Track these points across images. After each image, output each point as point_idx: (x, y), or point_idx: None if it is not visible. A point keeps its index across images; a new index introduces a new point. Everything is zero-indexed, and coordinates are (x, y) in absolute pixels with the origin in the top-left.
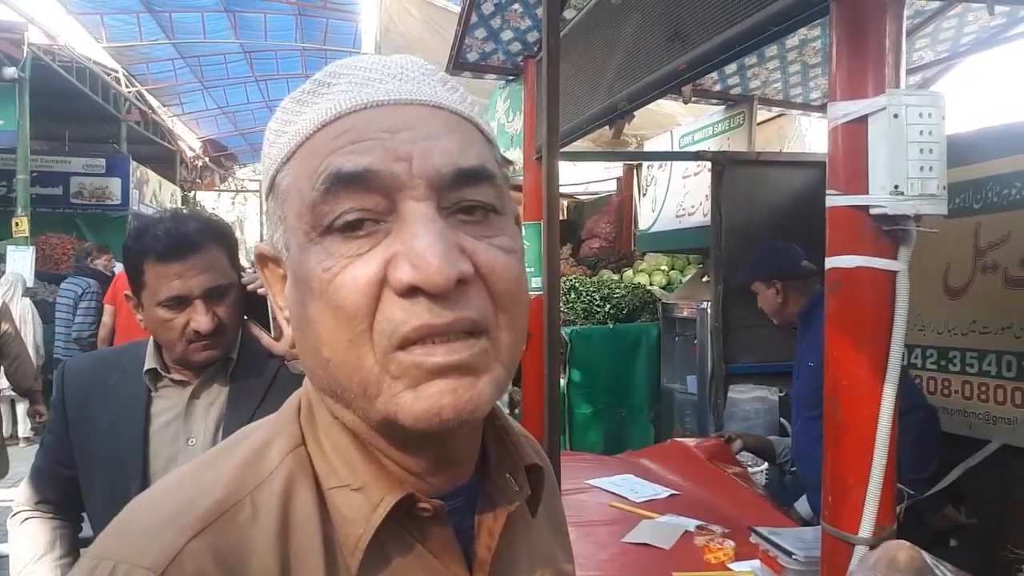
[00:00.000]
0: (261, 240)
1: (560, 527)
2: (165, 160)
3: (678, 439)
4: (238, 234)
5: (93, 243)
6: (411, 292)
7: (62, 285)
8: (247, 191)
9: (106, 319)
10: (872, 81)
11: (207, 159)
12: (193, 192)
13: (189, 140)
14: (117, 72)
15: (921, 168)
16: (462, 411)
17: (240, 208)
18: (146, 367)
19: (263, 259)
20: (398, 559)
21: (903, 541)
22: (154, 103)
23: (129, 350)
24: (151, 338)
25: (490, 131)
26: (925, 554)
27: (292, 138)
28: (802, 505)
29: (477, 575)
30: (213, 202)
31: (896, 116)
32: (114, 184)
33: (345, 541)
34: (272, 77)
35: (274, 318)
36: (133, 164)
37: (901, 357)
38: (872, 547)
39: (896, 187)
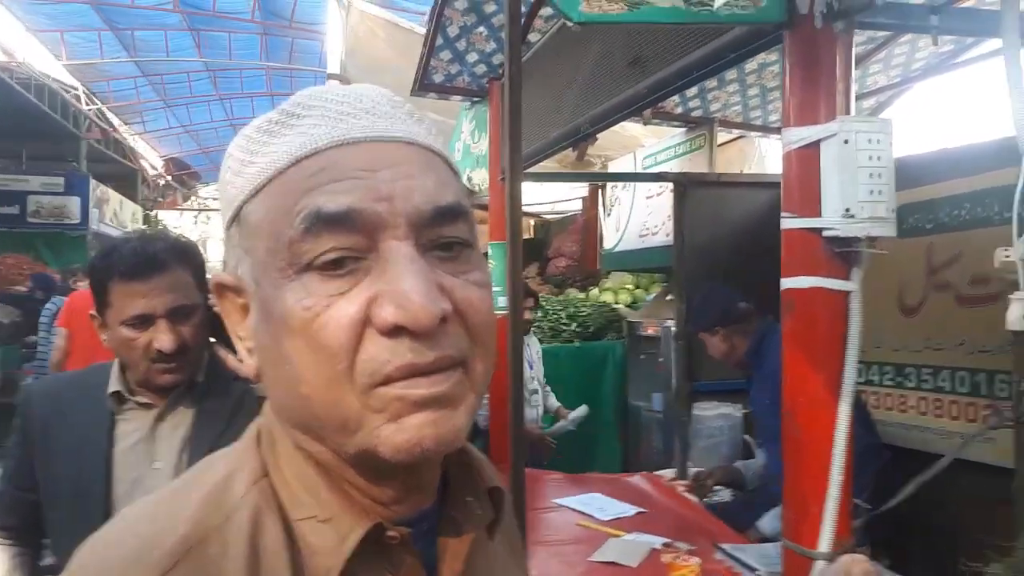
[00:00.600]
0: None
1: (517, 551)
2: (126, 179)
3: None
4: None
5: (80, 264)
6: (395, 331)
7: (45, 305)
8: (210, 210)
9: (59, 342)
10: (824, 108)
11: (169, 178)
12: (155, 211)
13: (151, 159)
14: (77, 89)
15: (871, 192)
16: (443, 441)
17: (203, 227)
18: (110, 389)
19: (222, 288)
20: None
21: (858, 555)
22: (115, 121)
23: (93, 373)
24: (116, 360)
25: (454, 162)
26: (880, 568)
27: (263, 171)
28: (766, 522)
29: None
30: (175, 221)
31: (847, 142)
32: (73, 203)
33: (315, 573)
34: (236, 96)
35: None
36: (93, 183)
37: (855, 374)
38: (831, 561)
39: (847, 210)
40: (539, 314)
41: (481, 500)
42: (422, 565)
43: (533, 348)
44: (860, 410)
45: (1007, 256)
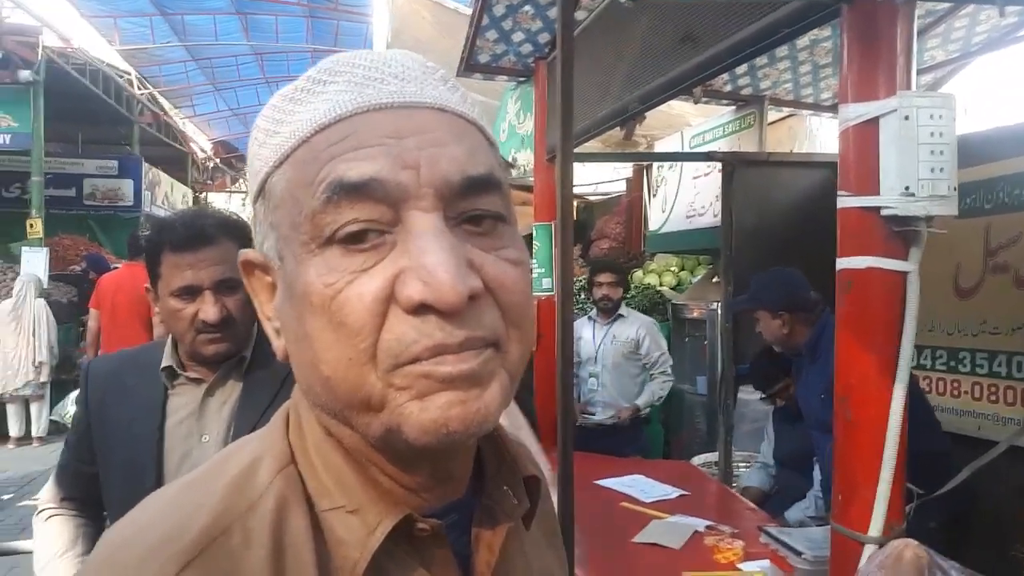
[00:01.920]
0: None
1: (554, 537)
2: (177, 162)
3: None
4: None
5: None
6: (421, 309)
7: None
8: None
9: (91, 323)
10: (883, 83)
11: (218, 160)
12: (204, 193)
13: (200, 142)
14: (130, 74)
15: (932, 169)
16: (470, 423)
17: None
18: (163, 365)
19: (249, 266)
20: None
21: (910, 540)
22: (166, 105)
23: (149, 349)
24: (169, 336)
25: (491, 133)
26: (932, 553)
27: (286, 140)
28: (792, 513)
29: None
30: (224, 203)
31: (907, 118)
32: (126, 186)
33: (341, 565)
34: (283, 78)
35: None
36: (145, 166)
37: (911, 357)
38: (881, 546)
39: (907, 188)
40: (622, 291)
41: (517, 490)
42: (454, 557)
43: (626, 326)
44: (928, 414)
45: None
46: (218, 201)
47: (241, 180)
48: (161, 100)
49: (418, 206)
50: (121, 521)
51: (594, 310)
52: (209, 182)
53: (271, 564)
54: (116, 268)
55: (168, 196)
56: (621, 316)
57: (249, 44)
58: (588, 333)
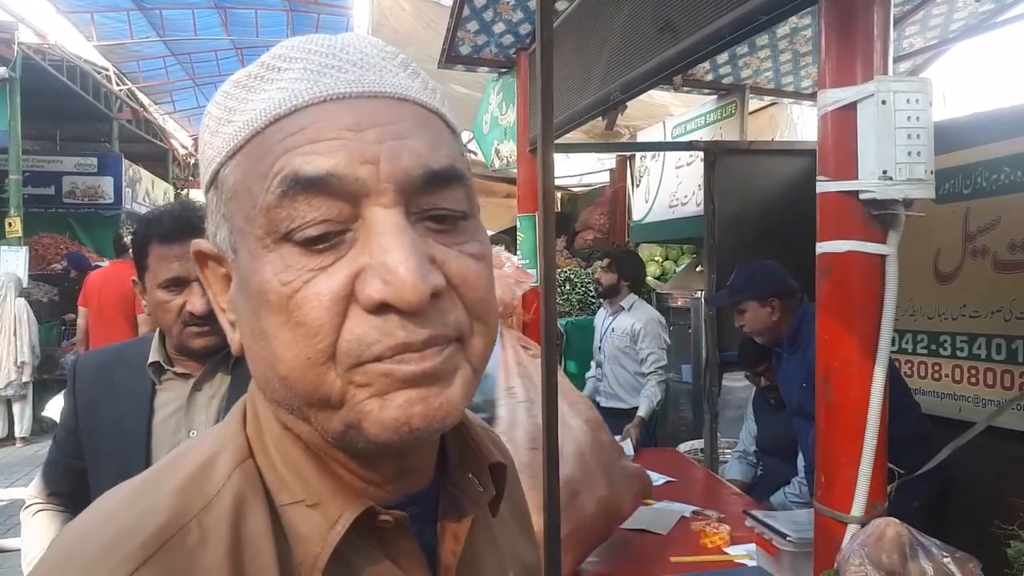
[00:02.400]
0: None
1: (524, 519)
2: (157, 158)
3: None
4: None
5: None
6: (382, 308)
7: None
8: None
9: (80, 321)
10: (860, 68)
11: (199, 156)
12: (186, 190)
13: (181, 138)
14: (108, 70)
15: (909, 153)
16: (432, 420)
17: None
18: (150, 360)
19: (202, 257)
20: (361, 573)
21: (892, 518)
22: (145, 101)
23: (136, 344)
24: (157, 331)
25: (454, 120)
26: (913, 530)
27: (240, 130)
28: (777, 498)
29: None
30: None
31: (884, 102)
32: (106, 183)
33: (303, 560)
34: None
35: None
36: (125, 163)
37: (891, 339)
38: (863, 525)
39: (885, 172)
40: (616, 277)
41: (483, 477)
42: (420, 548)
43: (626, 318)
44: (906, 396)
45: None
46: (200, 198)
47: None
48: (140, 96)
49: (378, 202)
50: (79, 517)
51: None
52: (190, 178)
53: (229, 561)
54: (99, 266)
55: (149, 193)
56: (623, 308)
57: (229, 39)
58: (598, 322)
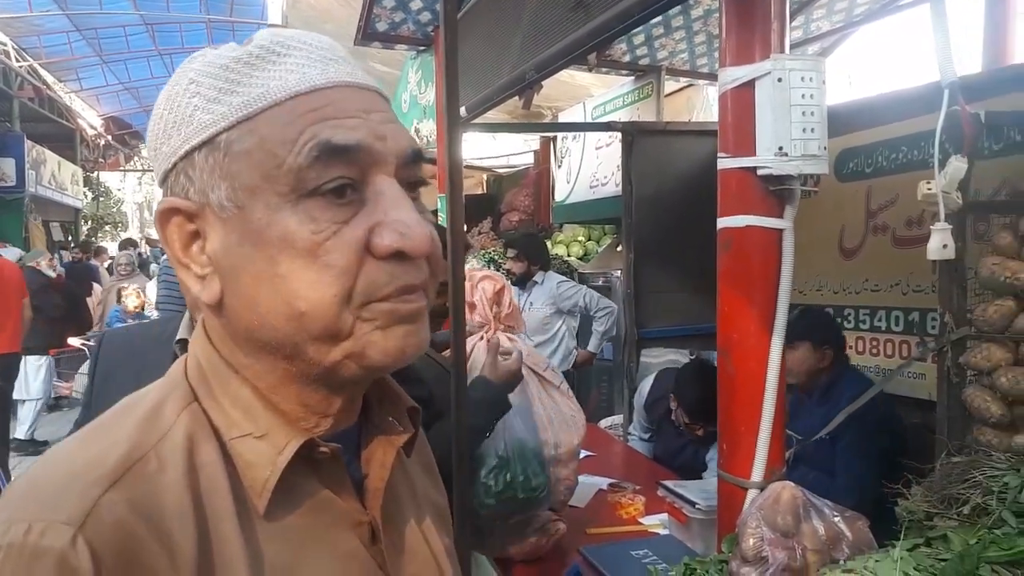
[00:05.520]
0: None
1: (431, 469)
2: (64, 139)
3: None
4: (144, 215)
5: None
6: (393, 257)
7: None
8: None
9: None
10: (759, 48)
11: (110, 137)
12: (96, 172)
13: (89, 118)
14: (6, 45)
15: (804, 129)
16: (417, 350)
17: (148, 188)
18: (178, 336)
19: (172, 213)
20: (301, 497)
21: (788, 482)
22: (49, 78)
23: (165, 321)
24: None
25: None
26: (807, 492)
27: (254, 100)
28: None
29: (370, 507)
30: (119, 183)
31: (780, 80)
32: (7, 164)
33: (252, 484)
34: (177, 51)
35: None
36: (28, 143)
37: (788, 310)
38: (762, 490)
39: (780, 148)
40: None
41: (402, 419)
42: (348, 476)
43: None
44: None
45: (929, 188)
46: (112, 180)
47: (136, 158)
48: (43, 73)
49: (385, 171)
50: (39, 459)
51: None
52: (101, 160)
53: (187, 483)
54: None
55: (55, 175)
56: (536, 283)
57: (138, 13)
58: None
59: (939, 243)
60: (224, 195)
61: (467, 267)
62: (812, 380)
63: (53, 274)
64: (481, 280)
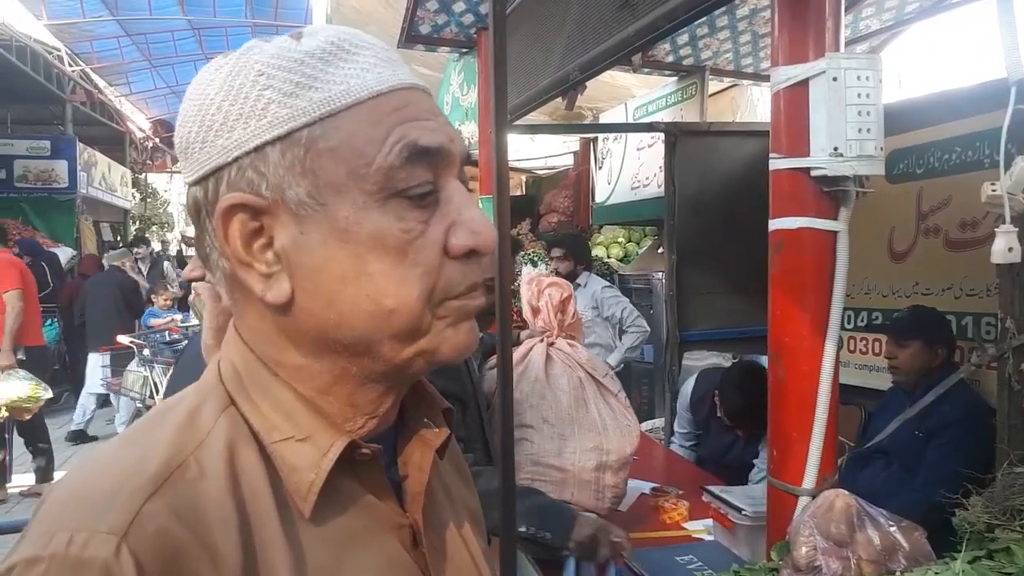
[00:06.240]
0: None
1: (463, 471)
2: (114, 141)
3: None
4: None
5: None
6: (466, 256)
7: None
8: None
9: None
10: (813, 46)
11: (158, 140)
12: (144, 174)
13: (138, 120)
14: (60, 51)
15: (859, 130)
16: (474, 346)
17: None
18: None
19: (237, 209)
20: (343, 500)
21: (841, 490)
22: (100, 83)
23: None
24: None
25: None
26: (861, 501)
27: (338, 96)
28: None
29: (411, 510)
30: (165, 184)
31: (835, 79)
32: (60, 167)
33: (296, 488)
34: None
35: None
36: (80, 146)
37: (842, 314)
38: (814, 497)
39: (836, 149)
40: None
41: (437, 420)
42: (387, 479)
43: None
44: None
45: (994, 190)
46: (159, 182)
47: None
48: (94, 77)
49: (452, 172)
50: (72, 468)
51: None
52: (148, 162)
53: (230, 489)
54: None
55: (106, 177)
56: (580, 285)
57: (186, 19)
58: None
59: (1004, 246)
60: (304, 192)
61: (530, 271)
62: (922, 379)
63: (138, 277)
64: (548, 286)
